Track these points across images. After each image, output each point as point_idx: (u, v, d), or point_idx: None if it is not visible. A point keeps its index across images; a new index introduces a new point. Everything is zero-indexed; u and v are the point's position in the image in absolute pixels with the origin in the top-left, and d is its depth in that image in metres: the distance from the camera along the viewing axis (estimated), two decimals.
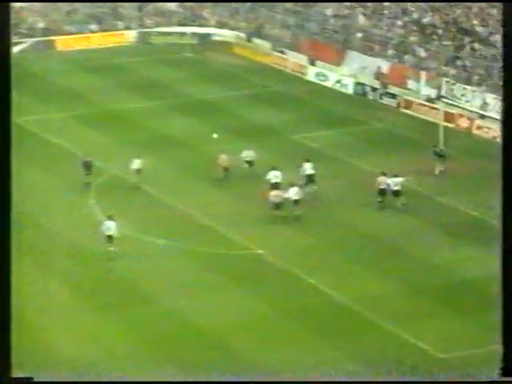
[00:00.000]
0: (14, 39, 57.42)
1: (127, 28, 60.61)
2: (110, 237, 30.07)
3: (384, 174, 34.34)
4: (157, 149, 40.79)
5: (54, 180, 37.24)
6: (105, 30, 60.01)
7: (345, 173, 38.10)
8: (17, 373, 12.68)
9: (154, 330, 26.04)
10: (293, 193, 32.97)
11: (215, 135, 39.62)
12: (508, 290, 12.00)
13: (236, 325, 26.27)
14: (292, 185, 33.32)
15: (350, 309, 27.05)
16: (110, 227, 30.07)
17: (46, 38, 58.09)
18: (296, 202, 32.98)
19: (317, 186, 35.08)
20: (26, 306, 26.95)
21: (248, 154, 37.39)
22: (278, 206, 32.89)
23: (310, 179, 35.11)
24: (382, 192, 34.02)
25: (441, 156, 37.83)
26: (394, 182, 33.93)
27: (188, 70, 53.88)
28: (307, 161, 35.45)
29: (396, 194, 33.99)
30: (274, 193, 33.06)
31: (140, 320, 26.58)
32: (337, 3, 56.43)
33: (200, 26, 60.51)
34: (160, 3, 62.04)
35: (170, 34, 59.71)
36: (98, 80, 51.43)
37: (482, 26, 49.60)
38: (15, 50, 57.16)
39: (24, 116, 44.73)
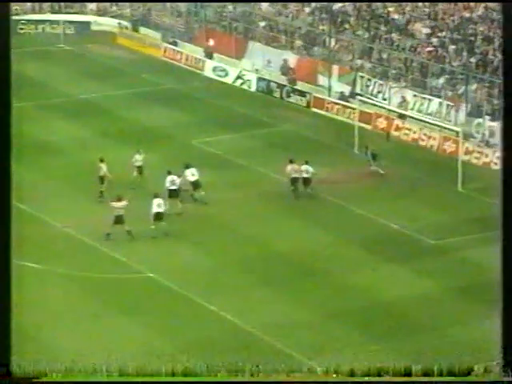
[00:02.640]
0: None
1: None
2: None
3: (292, 162, 36.19)
4: (28, 157, 40.20)
5: None
6: None
7: (249, 181, 38.43)
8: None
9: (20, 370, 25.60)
10: (156, 205, 32.90)
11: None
12: (508, 290, 12.70)
13: (124, 361, 26.07)
14: (155, 196, 33.35)
15: (258, 338, 27.24)
16: None
17: None
18: (157, 215, 32.78)
19: (203, 192, 35.38)
20: None
21: (139, 159, 37.34)
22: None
23: (196, 186, 35.38)
24: (294, 180, 36.13)
25: (374, 156, 38.82)
26: (305, 170, 36.10)
27: (64, 65, 53.38)
28: (187, 167, 35.66)
29: (306, 181, 36.09)
30: (118, 204, 32.55)
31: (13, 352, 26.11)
32: None
33: (76, 13, 60.05)
34: None
35: (41, 22, 59.04)
36: None
37: (399, 13, 50.77)
38: None
39: None
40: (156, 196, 33.29)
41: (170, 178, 34.70)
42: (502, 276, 13.19)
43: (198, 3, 57.03)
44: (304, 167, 36.24)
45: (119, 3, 60.11)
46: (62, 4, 60.64)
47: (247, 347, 26.95)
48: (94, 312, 28.62)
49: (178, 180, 34.84)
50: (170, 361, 26.07)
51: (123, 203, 32.62)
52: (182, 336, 27.42)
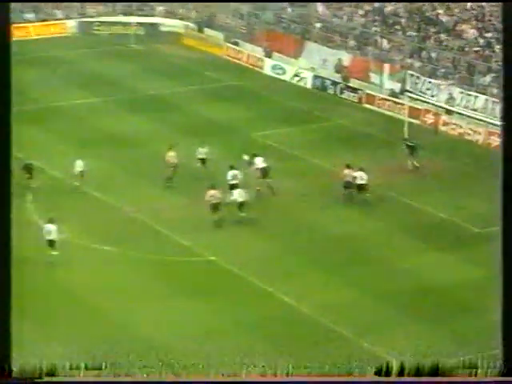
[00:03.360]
0: None
1: (67, 17, 60.19)
2: (51, 241, 29.88)
3: (349, 167, 34.89)
4: (102, 148, 40.58)
5: None
6: (42, 20, 59.52)
7: (305, 172, 38.32)
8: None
9: (96, 341, 25.89)
10: (237, 194, 32.97)
11: (246, 157, 37.68)
12: (508, 290, 12.41)
13: (187, 337, 26.25)
14: (232, 186, 33.34)
15: (312, 319, 27.17)
16: (51, 231, 29.88)
17: None
18: (241, 204, 32.91)
19: (271, 179, 35.14)
20: None
21: (202, 152, 37.42)
22: (215, 207, 32.61)
23: (264, 173, 35.28)
24: (348, 185, 34.70)
25: (412, 148, 38.26)
26: (359, 176, 34.54)
27: (135, 64, 53.72)
28: (255, 155, 35.53)
29: (360, 188, 34.59)
30: (210, 193, 32.65)
31: (82, 333, 26.41)
32: None
33: (147, 15, 60.37)
34: None
35: (113, 23, 59.46)
36: (37, 74, 50.99)
37: (448, 15, 50.21)
38: None
39: None
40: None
41: (231, 172, 34.59)
42: (502, 276, 12.79)
43: (260, 5, 56.95)
44: (358, 173, 34.62)
45: (185, 6, 60.26)
46: (134, 7, 60.98)
47: (302, 326, 26.95)
48: (161, 293, 28.80)
49: (239, 175, 34.53)
50: (230, 339, 26.23)
51: (215, 191, 32.54)
52: (241, 316, 27.45)
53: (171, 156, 36.57)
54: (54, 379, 14.02)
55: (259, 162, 35.53)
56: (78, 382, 18.61)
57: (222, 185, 33.96)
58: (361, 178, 34.62)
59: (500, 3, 13.00)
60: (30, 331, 26.37)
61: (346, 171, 34.83)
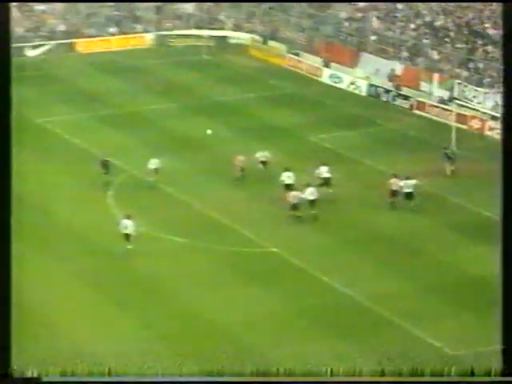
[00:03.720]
0: (35, 42, 57.75)
1: (145, 31, 60.74)
2: (127, 235, 30.19)
3: (395, 176, 34.25)
4: (175, 149, 40.86)
5: (73, 179, 37.37)
6: (124, 33, 60.16)
7: (358, 173, 38.05)
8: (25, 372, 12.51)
9: (170, 328, 26.08)
10: (309, 193, 32.97)
11: (209, 131, 40.00)
12: (508, 289, 11.95)
13: (252, 322, 26.29)
14: (308, 185, 33.33)
15: (364, 306, 27.02)
16: (128, 226, 30.19)
17: (67, 41, 58.32)
18: (312, 202, 32.96)
19: (332, 190, 34.88)
20: (45, 303, 27.09)
21: (263, 155, 37.41)
22: (295, 206, 32.86)
23: (326, 182, 34.91)
24: (394, 193, 33.97)
25: (450, 158, 37.77)
26: (406, 184, 33.84)
27: (206, 72, 53.97)
28: (324, 164, 35.28)
29: (408, 196, 33.91)
30: (292, 194, 33.05)
31: (157, 317, 26.63)
32: (351, 6, 56.36)
33: (217, 28, 60.59)
34: (177, 6, 62.14)
35: (187, 36, 59.78)
36: (118, 82, 51.56)
37: (494, 28, 49.37)
38: (37, 52, 57.41)
39: (45, 117, 44.94)
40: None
41: (286, 173, 34.48)
42: (502, 276, 12.33)
43: (319, 19, 56.75)
44: (405, 182, 33.67)
45: (251, 21, 60.34)
46: (205, 20, 61.26)
47: (355, 314, 26.78)
48: (227, 281, 28.89)
49: (293, 176, 34.29)
50: (288, 324, 26.19)
51: (296, 193, 32.65)
52: (299, 303, 27.39)
53: (240, 160, 36.64)
54: (54, 379, 13.61)
55: (323, 171, 35.06)
56: (78, 382, 18.36)
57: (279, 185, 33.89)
58: (407, 186, 33.74)
59: (500, 3, 12.61)
60: (109, 317, 26.68)
61: (393, 180, 34.01)
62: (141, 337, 25.45)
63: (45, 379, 12.17)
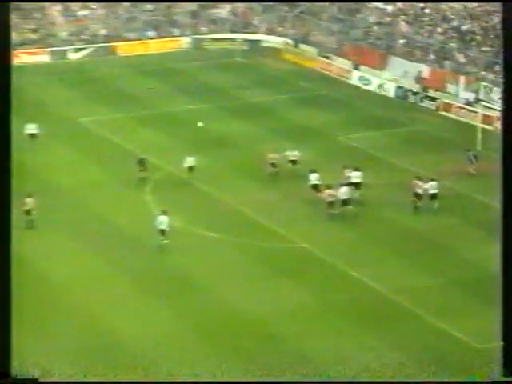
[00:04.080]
0: (77, 45, 58.23)
1: (182, 34, 60.92)
2: (162, 231, 30.31)
3: (419, 178, 33.81)
4: (209, 148, 40.94)
5: (113, 176, 37.58)
6: (161, 37, 60.41)
7: (386, 172, 37.82)
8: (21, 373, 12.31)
9: (204, 319, 26.12)
10: (342, 192, 32.86)
11: (200, 124, 40.22)
12: (508, 289, 11.73)
13: (283, 314, 26.25)
14: (342, 185, 33.24)
15: (391, 300, 26.86)
16: (163, 222, 30.30)
17: (108, 44, 58.70)
18: (344, 201, 32.81)
19: (359, 194, 34.40)
20: (79, 293, 27.26)
21: (292, 154, 37.35)
22: (332, 204, 32.74)
23: (357, 187, 34.39)
24: (417, 195, 33.58)
25: (472, 161, 37.35)
26: (431, 186, 33.47)
27: (239, 75, 53.98)
28: (357, 169, 34.58)
29: (433, 197, 33.51)
30: (328, 192, 32.93)
31: (191, 308, 26.70)
32: (380, 11, 56.01)
33: (250, 32, 60.57)
34: (212, 11, 62.22)
35: (222, 40, 59.86)
36: (156, 83, 51.78)
37: None
38: (79, 55, 57.88)
39: (86, 117, 45.27)
40: (342, 185, 32.95)
41: (313, 175, 34.32)
42: (502, 276, 12.06)
43: (348, 23, 56.49)
44: (429, 184, 33.24)
45: (283, 25, 60.23)
46: (239, 25, 61.29)
47: (382, 308, 26.62)
48: (259, 274, 28.88)
49: (319, 177, 34.06)
50: (317, 317, 26.09)
51: (332, 191, 32.64)
52: (328, 296, 27.31)
53: (272, 157, 36.60)
54: (54, 379, 13.29)
55: (354, 176, 34.48)
56: (78, 381, 18.17)
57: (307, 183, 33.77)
58: (432, 187, 33.31)
59: (500, 3, 12.34)
60: (150, 305, 26.80)
61: (416, 182, 33.49)
62: (175, 328, 25.54)
63: (43, 379, 11.94)
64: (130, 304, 26.87)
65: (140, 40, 59.77)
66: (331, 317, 26.14)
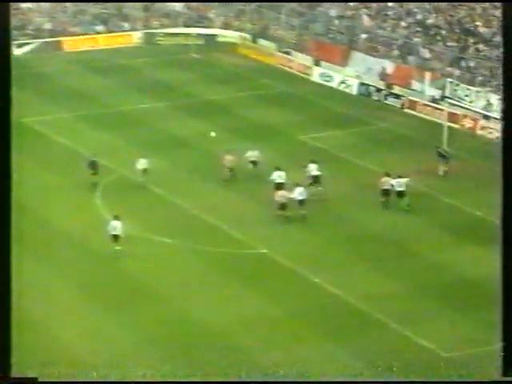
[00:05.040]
0: (21, 40, 57.67)
1: (133, 29, 60.73)
2: (115, 236, 30.22)
3: (388, 175, 34.43)
4: (163, 149, 40.91)
5: (60, 179, 37.36)
6: (111, 31, 60.12)
7: (349, 172, 38.19)
8: (21, 372, 12.45)
9: (159, 331, 26.12)
10: (298, 193, 33.09)
11: (213, 133, 39.86)
12: (508, 289, 12.08)
13: (241, 323, 26.37)
14: (297, 185, 33.46)
15: (355, 307, 27.13)
16: (116, 227, 30.22)
17: (53, 39, 58.27)
18: (301, 202, 33.09)
19: (322, 187, 35.11)
20: (31, 304, 27.07)
21: (252, 155, 37.51)
22: (283, 206, 32.99)
23: (316, 180, 35.15)
24: (386, 192, 34.14)
25: (443, 156, 37.92)
26: (398, 183, 34.04)
27: (194, 71, 54.01)
28: (313, 162, 35.51)
29: (400, 194, 34.10)
30: (279, 193, 33.18)
31: (145, 320, 26.67)
32: (341, 4, 56.51)
33: (205, 27, 60.63)
34: (165, 4, 62.15)
35: (175, 35, 59.81)
36: (105, 80, 51.55)
37: (486, 27, 49.62)
38: (23, 50, 57.33)
39: (31, 116, 44.89)
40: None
41: (277, 173, 34.62)
42: (502, 276, 12.48)
43: (310, 18, 56.87)
44: (396, 181, 33.90)
45: (241, 19, 60.42)
46: (194, 19, 61.31)
47: (346, 315, 26.88)
48: (215, 282, 28.95)
49: (284, 175, 34.41)
50: (279, 325, 26.26)
51: (284, 192, 32.76)
52: (290, 304, 27.48)
53: (229, 160, 36.72)
54: (54, 379, 13.57)
55: (313, 169, 35.25)
56: (78, 381, 18.37)
57: (270, 184, 34.00)
58: (399, 185, 33.94)
59: (500, 3, 12.78)
60: (98, 317, 26.71)
61: (384, 179, 34.21)
62: (127, 341, 25.48)
63: (41, 380, 12.20)
64: (78, 316, 26.73)
65: (88, 35, 59.44)
66: (293, 326, 26.34)
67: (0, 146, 11.50)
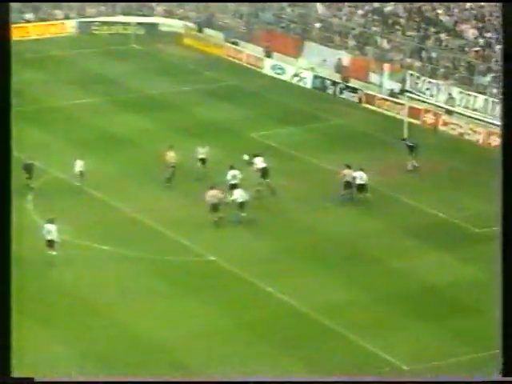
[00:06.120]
0: None
1: (66, 17, 60.20)
2: (50, 241, 29.89)
3: (348, 167, 34.92)
4: (102, 148, 40.61)
5: None
6: (42, 20, 59.52)
7: (304, 172, 38.33)
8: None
9: (98, 345, 25.89)
10: (238, 194, 33.01)
11: (246, 157, 37.41)
12: (508, 290, 12.42)
13: (190, 337, 26.27)
14: (235, 187, 33.44)
15: (311, 318, 27.22)
16: (51, 231, 29.88)
17: None
18: (241, 204, 32.97)
19: (269, 180, 35.22)
20: None
21: (202, 151, 37.43)
22: (215, 207, 32.70)
23: (264, 173, 35.30)
24: (347, 185, 34.58)
25: (411, 149, 38.28)
26: (359, 176, 34.46)
27: (134, 63, 53.73)
28: (255, 155, 35.62)
29: (361, 188, 34.59)
30: (210, 193, 32.84)
31: (82, 333, 26.43)
32: None
33: (146, 15, 60.37)
34: None
35: (113, 23, 59.46)
36: (37, 74, 51.00)
37: (448, 15, 50.21)
38: None
39: None
40: (236, 187, 33.35)
41: (231, 172, 34.61)
42: (502, 276, 12.77)
43: (259, 5, 56.96)
44: (358, 173, 34.60)
45: (184, 6, 60.29)
46: (134, 7, 61.00)
47: (302, 326, 26.96)
48: (160, 292, 28.82)
49: (239, 175, 34.56)
50: (230, 337, 26.24)
51: (215, 191, 32.67)
52: (241, 315, 27.47)
53: (170, 156, 36.57)
54: (54, 379, 13.95)
55: (259, 162, 35.57)
56: (78, 381, 18.70)
57: (222, 185, 33.96)
58: (360, 178, 34.60)
59: (500, 3, 13.17)
60: (29, 331, 26.35)
61: (346, 171, 34.81)
62: (62, 357, 25.22)
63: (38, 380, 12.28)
64: (14, 325, 26.33)
65: (16, 23, 58.73)
66: (244, 338, 26.33)
67: None
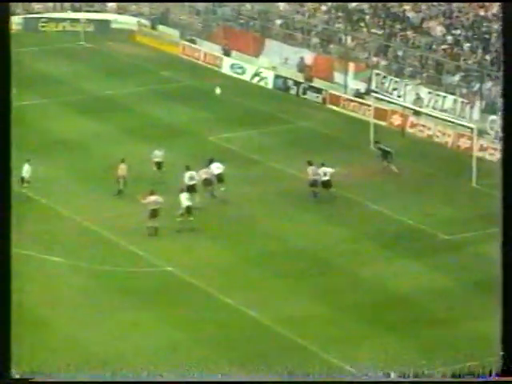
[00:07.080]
0: None
1: (12, 13, 59.84)
2: None
3: (310, 164, 35.69)
4: (50, 153, 40.44)
5: None
6: None
7: (265, 177, 38.49)
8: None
9: (49, 360, 25.79)
10: (184, 198, 33.11)
11: (218, 90, 38.82)
12: (508, 290, 12.74)
13: (146, 354, 26.25)
14: (182, 190, 33.59)
15: (274, 331, 27.33)
16: None
17: None
18: (188, 209, 33.04)
19: (224, 188, 35.40)
20: None
21: (158, 154, 37.51)
22: (154, 213, 32.70)
23: (220, 179, 35.54)
24: (314, 183, 35.43)
25: (386, 153, 38.66)
26: (323, 172, 35.24)
27: (84, 62, 53.61)
28: (211, 161, 35.82)
29: (326, 184, 35.27)
30: (151, 198, 32.84)
31: (28, 351, 26.28)
32: None
33: (97, 11, 60.28)
34: None
35: (62, 20, 59.29)
36: None
37: (414, 11, 50.71)
38: None
39: None
40: (183, 191, 33.54)
41: (188, 173, 34.85)
42: (502, 276, 13.11)
43: (217, 2, 57.14)
44: (322, 170, 35.45)
45: (139, 2, 60.28)
46: (83, 2, 60.84)
47: (264, 340, 27.07)
48: (113, 305, 28.78)
49: (196, 176, 34.96)
50: (187, 353, 26.27)
51: (155, 198, 32.71)
52: (199, 329, 27.52)
53: (122, 169, 36.49)
54: (54, 379, 14.23)
55: (214, 168, 35.73)
56: (78, 381, 18.81)
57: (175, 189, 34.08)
58: (324, 174, 35.34)
59: (500, 3, 13.58)
60: None
61: (310, 169, 35.49)
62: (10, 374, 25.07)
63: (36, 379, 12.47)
64: None
65: None
66: (203, 352, 26.37)
67: None
